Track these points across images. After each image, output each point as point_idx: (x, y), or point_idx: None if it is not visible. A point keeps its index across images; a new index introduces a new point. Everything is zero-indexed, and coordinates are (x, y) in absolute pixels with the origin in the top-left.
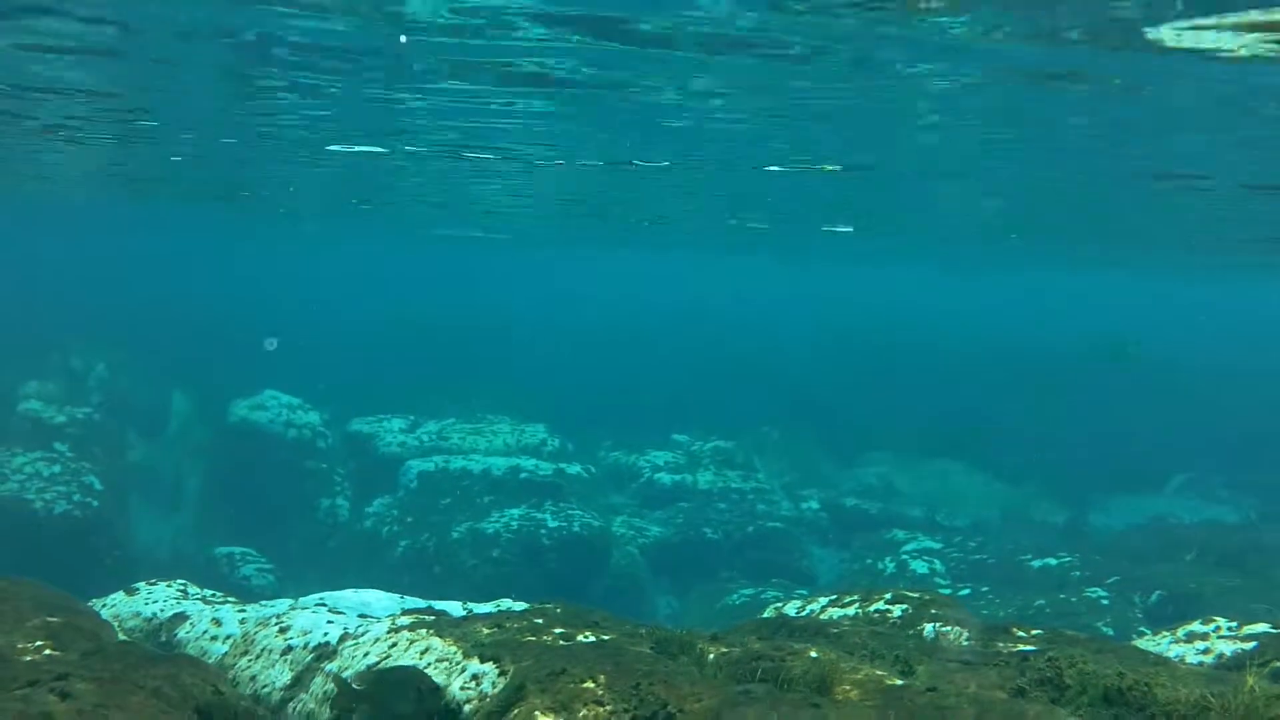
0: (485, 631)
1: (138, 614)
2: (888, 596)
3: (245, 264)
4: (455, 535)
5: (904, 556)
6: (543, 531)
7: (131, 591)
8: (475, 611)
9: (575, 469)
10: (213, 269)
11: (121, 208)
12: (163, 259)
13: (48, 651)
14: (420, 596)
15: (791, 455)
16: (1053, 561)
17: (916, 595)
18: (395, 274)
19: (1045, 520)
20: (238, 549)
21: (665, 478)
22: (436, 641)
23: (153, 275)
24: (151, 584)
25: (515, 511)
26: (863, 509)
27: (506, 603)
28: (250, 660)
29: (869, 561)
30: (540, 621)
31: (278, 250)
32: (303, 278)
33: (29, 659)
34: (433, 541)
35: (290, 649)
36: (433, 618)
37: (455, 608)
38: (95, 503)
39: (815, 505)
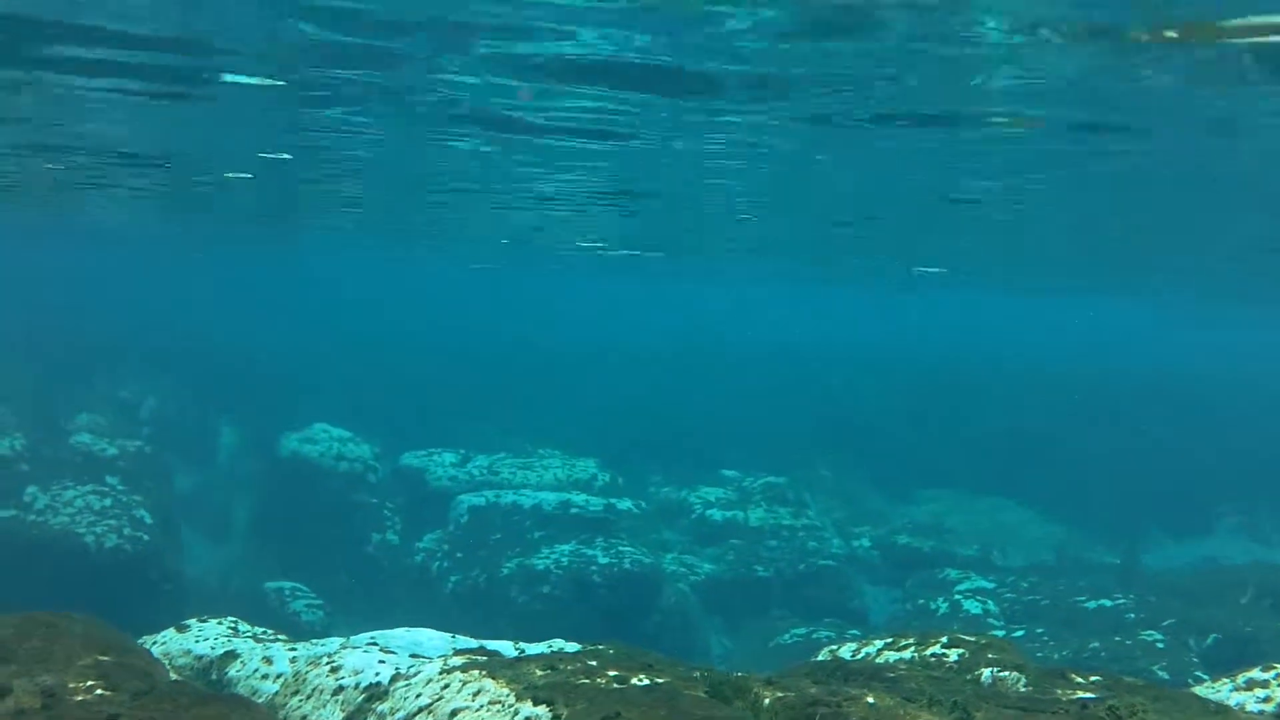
0: (539, 673)
1: (188, 651)
2: (944, 640)
3: (296, 295)
4: (505, 571)
5: (957, 596)
6: (593, 568)
7: (182, 628)
8: (528, 652)
9: (626, 504)
10: (263, 300)
11: (173, 238)
12: (213, 290)
13: (99, 691)
14: (470, 633)
15: (843, 492)
16: (1107, 603)
17: (973, 639)
18: (447, 305)
19: (1099, 560)
20: (287, 584)
21: (716, 514)
22: (489, 683)
23: (203, 306)
24: (202, 621)
25: (566, 547)
26: (915, 547)
27: (559, 643)
28: (301, 700)
29: (921, 601)
30: (594, 663)
31: (329, 281)
32: (354, 309)
33: (80, 699)
34: (483, 577)
35: (341, 689)
36: (485, 658)
37: (507, 648)
38: (146, 536)
39: (867, 543)
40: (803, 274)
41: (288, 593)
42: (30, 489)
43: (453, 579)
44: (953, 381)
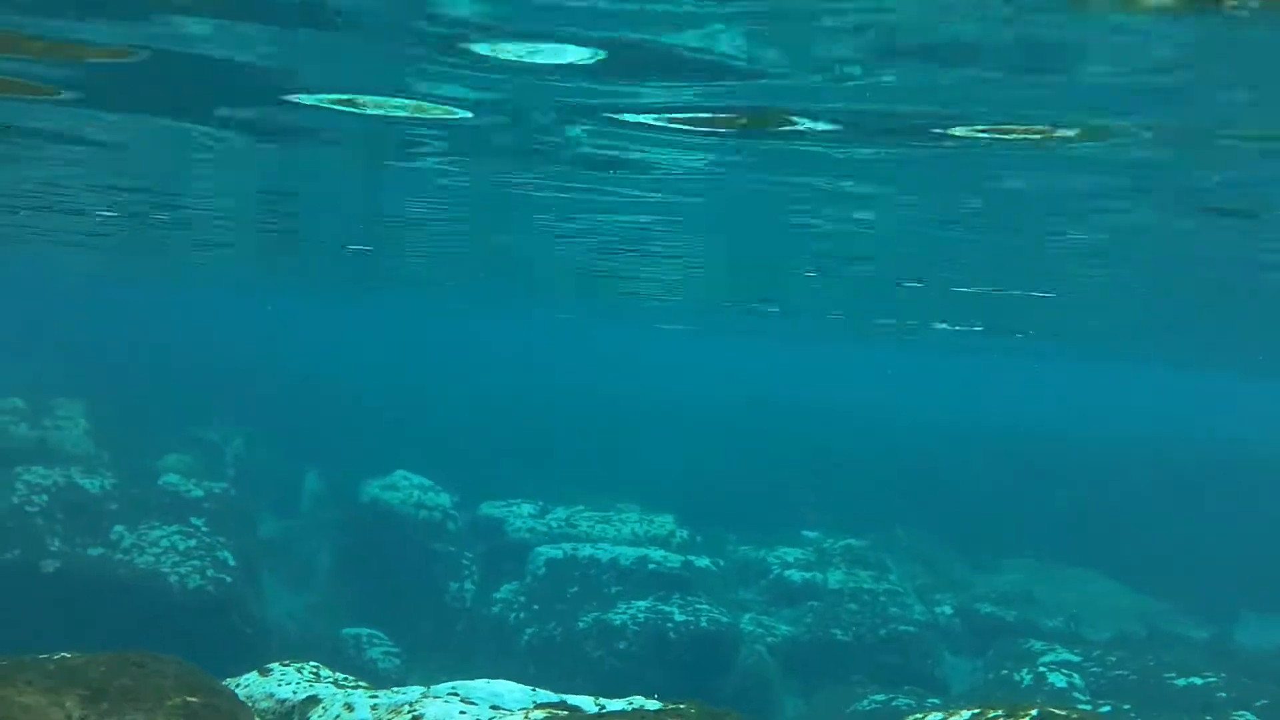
0: None
1: (271, 695)
2: (1034, 712)
3: (380, 343)
4: (582, 625)
5: (1041, 668)
6: (670, 625)
7: (265, 672)
8: (609, 708)
9: (704, 562)
10: (348, 347)
11: (260, 284)
12: (301, 337)
13: None
14: (546, 686)
15: (924, 557)
16: (1197, 681)
17: (1063, 712)
18: (528, 358)
19: (1189, 636)
20: (365, 630)
21: (795, 575)
22: None
23: (290, 352)
24: (285, 665)
25: (642, 603)
26: (998, 616)
27: (640, 700)
28: None
29: (1004, 672)
30: None
31: (414, 331)
32: (438, 359)
33: None
34: (559, 631)
35: None
36: (566, 713)
37: (588, 703)
38: (228, 578)
39: (949, 610)
40: (890, 337)
41: (365, 639)
42: (118, 528)
43: (529, 631)
44: (1039, 449)
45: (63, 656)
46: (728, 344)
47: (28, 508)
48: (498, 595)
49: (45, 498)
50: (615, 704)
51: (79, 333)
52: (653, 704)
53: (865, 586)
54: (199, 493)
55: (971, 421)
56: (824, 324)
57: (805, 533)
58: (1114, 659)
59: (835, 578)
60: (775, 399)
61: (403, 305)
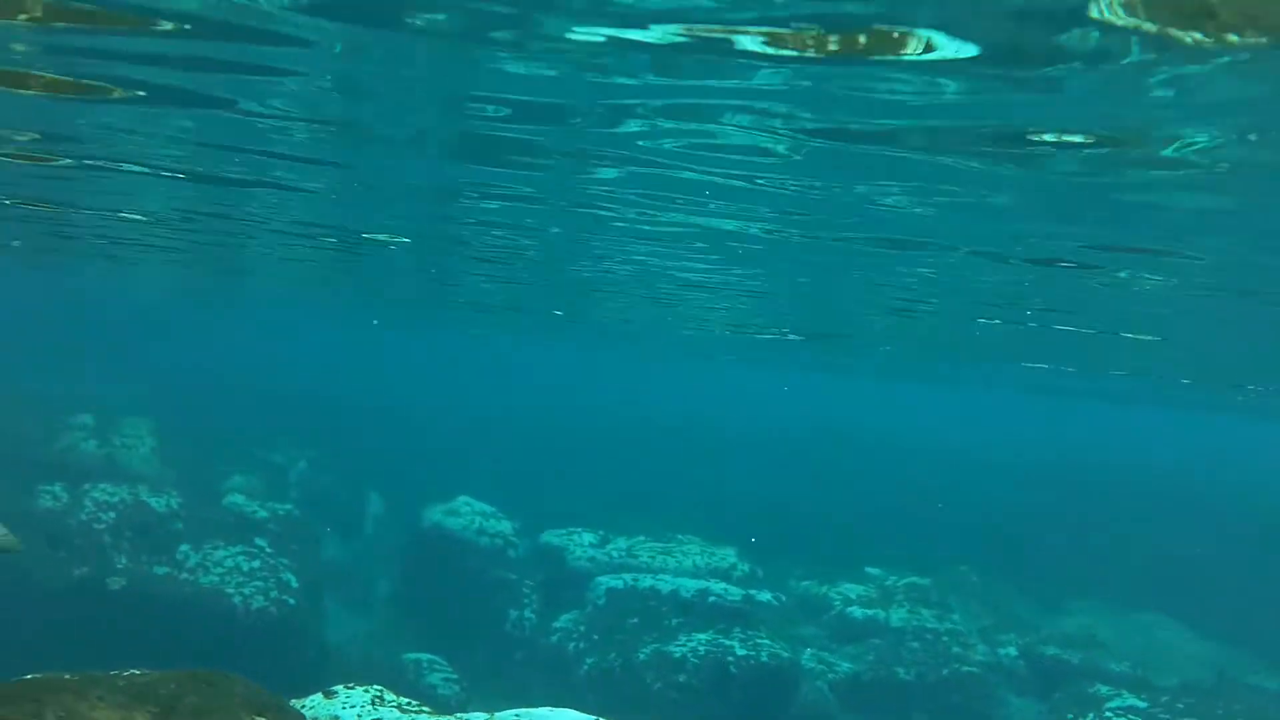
0: None
1: (335, 717)
2: None
3: (444, 370)
4: (642, 656)
5: (1108, 713)
6: (730, 659)
7: (330, 694)
8: None
9: (765, 596)
10: (412, 373)
11: (327, 309)
12: (367, 362)
13: None
14: (606, 716)
15: (988, 598)
16: None
17: None
18: (590, 389)
19: (1261, 685)
20: (425, 656)
21: (857, 612)
22: None
23: (355, 376)
24: (349, 688)
25: (703, 636)
26: (1063, 659)
27: None
28: None
29: (1069, 716)
30: None
31: (479, 359)
32: (501, 387)
33: None
34: (619, 661)
35: None
36: None
37: None
38: (291, 600)
39: (1013, 652)
40: (961, 376)
41: (425, 665)
42: (183, 547)
43: (588, 661)
44: (1108, 491)
45: (132, 673)
46: (792, 377)
47: (95, 525)
48: (557, 624)
49: (113, 515)
50: None
51: (148, 352)
52: None
53: (928, 625)
54: (263, 514)
55: (1041, 462)
56: (891, 359)
57: (868, 569)
58: (1183, 706)
59: (898, 616)
60: (840, 434)
61: (467, 333)
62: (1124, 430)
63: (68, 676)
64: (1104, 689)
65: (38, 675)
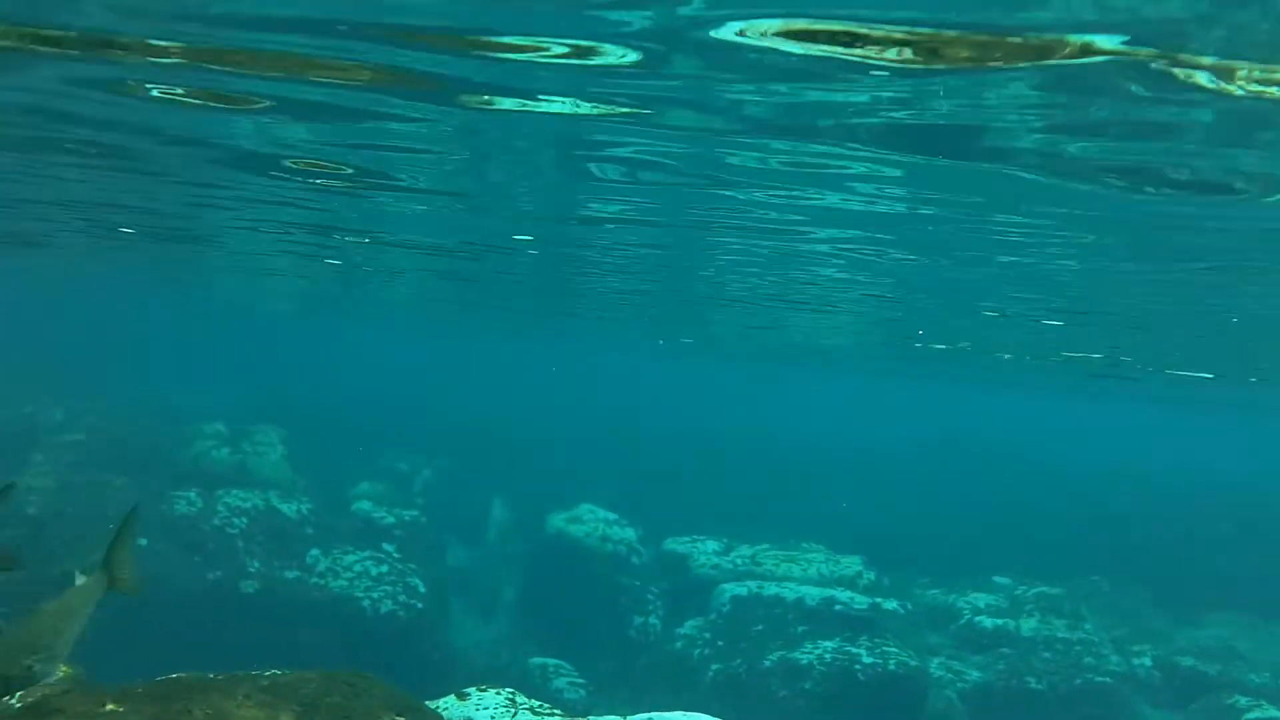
0: None
1: (469, 719)
2: None
3: (566, 379)
4: (767, 663)
5: None
6: (857, 667)
7: (463, 696)
8: None
9: (891, 605)
10: (535, 382)
11: (451, 319)
12: (491, 370)
13: None
14: None
15: (1121, 608)
16: None
17: None
18: (714, 399)
19: None
20: (551, 661)
21: (986, 621)
22: None
23: (478, 385)
24: (481, 690)
25: (829, 644)
26: (1200, 670)
27: None
28: None
29: None
30: None
31: (602, 368)
32: (623, 396)
33: None
34: (744, 668)
35: None
36: None
37: None
38: (419, 604)
39: (1147, 662)
40: (1089, 389)
41: (551, 669)
42: (313, 552)
43: (713, 667)
44: (1242, 503)
45: (274, 673)
46: (917, 387)
47: (229, 530)
48: (682, 630)
49: (245, 521)
50: None
51: (276, 362)
52: None
53: (1059, 635)
54: (390, 520)
55: (1173, 473)
56: (1017, 370)
57: (996, 579)
58: None
59: (1028, 625)
60: (966, 445)
61: (588, 342)
62: (1261, 441)
63: (212, 676)
64: (1242, 700)
65: (184, 674)
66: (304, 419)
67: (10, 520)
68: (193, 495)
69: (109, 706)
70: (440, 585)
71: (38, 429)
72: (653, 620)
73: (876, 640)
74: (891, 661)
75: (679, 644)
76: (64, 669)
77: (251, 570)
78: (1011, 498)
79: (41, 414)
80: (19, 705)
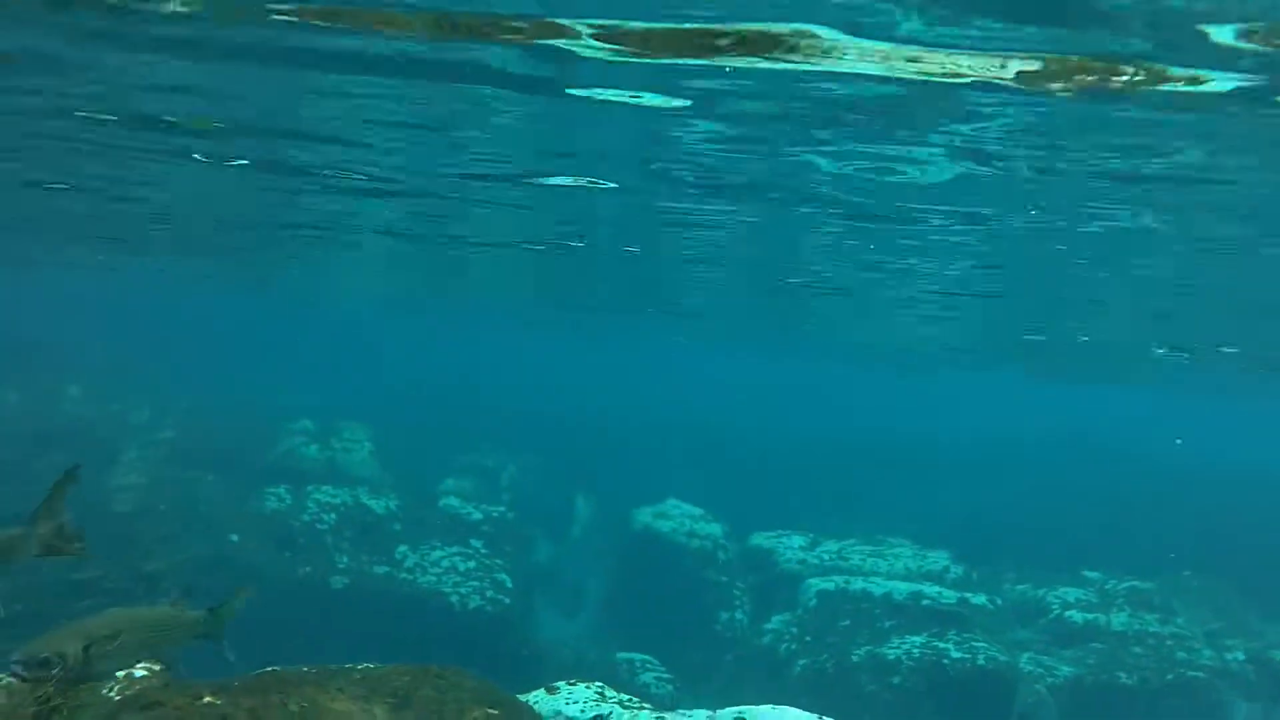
0: None
1: (559, 713)
2: None
3: (649, 374)
4: (855, 658)
5: None
6: (946, 662)
7: (552, 690)
8: None
9: (980, 599)
10: (618, 378)
11: (533, 315)
12: (575, 366)
13: None
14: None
15: (1212, 602)
16: None
17: None
18: (793, 390)
19: None
20: (638, 655)
21: (1076, 615)
22: None
23: (562, 381)
24: (571, 684)
25: (917, 639)
26: None
27: None
28: None
29: None
30: None
31: (686, 364)
32: (705, 390)
33: None
34: (831, 663)
35: None
36: None
37: None
38: (506, 600)
39: (1240, 656)
40: (1181, 381)
41: (638, 664)
42: (402, 547)
43: (800, 662)
44: None
45: (366, 667)
46: (995, 380)
47: (318, 525)
48: (768, 626)
49: (334, 516)
50: None
51: (362, 360)
52: None
53: (1151, 629)
54: (477, 515)
55: (1265, 469)
56: (1108, 364)
57: (1087, 573)
58: None
59: (1119, 620)
60: (1052, 437)
61: (673, 339)
62: None
63: (305, 669)
64: None
65: (278, 668)
66: (390, 416)
67: (103, 518)
68: (282, 491)
69: (207, 699)
70: (527, 580)
71: (127, 427)
72: (739, 615)
73: (965, 635)
74: (980, 656)
75: (766, 639)
76: (149, 667)
77: (341, 565)
78: (1099, 492)
79: (131, 412)
80: (118, 698)
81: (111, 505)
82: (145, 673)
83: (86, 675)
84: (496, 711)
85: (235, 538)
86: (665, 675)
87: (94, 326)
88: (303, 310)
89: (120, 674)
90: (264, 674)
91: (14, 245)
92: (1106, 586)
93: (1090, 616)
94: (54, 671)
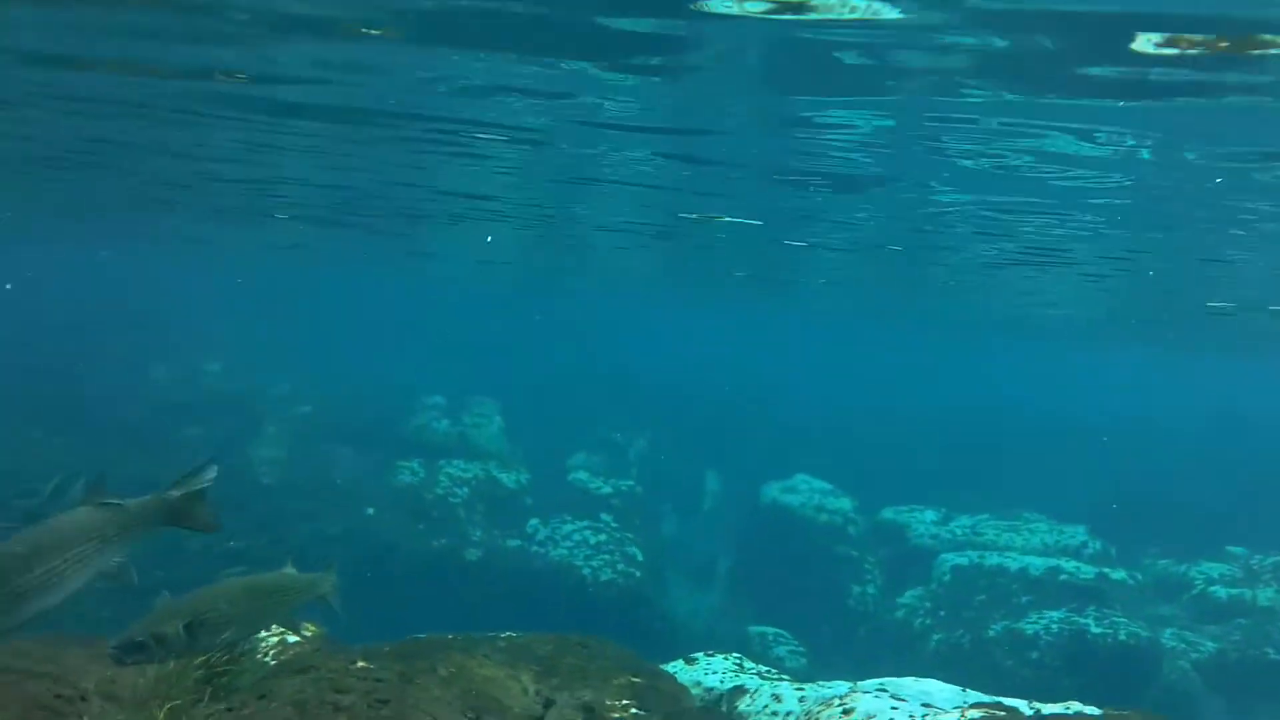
0: None
1: (698, 683)
2: None
3: (776, 350)
4: (991, 633)
5: None
6: (1086, 637)
7: (691, 661)
8: (1044, 712)
9: (1119, 574)
10: (745, 354)
11: (660, 293)
12: (699, 342)
13: (634, 711)
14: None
15: None
16: None
17: None
18: (922, 365)
19: None
20: (770, 629)
21: (1220, 591)
22: None
23: (689, 357)
24: (709, 655)
25: (1055, 614)
26: None
27: (1076, 706)
28: None
29: None
30: None
31: (808, 339)
32: (830, 367)
33: (617, 716)
34: (967, 638)
35: None
36: (1005, 713)
37: (1022, 705)
38: (637, 573)
39: None
40: None
41: (771, 638)
42: (533, 521)
43: (935, 637)
44: None
45: (509, 635)
46: (1145, 353)
47: (451, 499)
48: (901, 600)
49: (466, 490)
50: (1051, 708)
51: (491, 337)
52: (1092, 709)
53: None
54: (607, 490)
55: None
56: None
57: (1230, 549)
58: None
59: (1266, 595)
60: (1193, 412)
61: (799, 315)
62: None
63: (451, 637)
64: None
65: (425, 635)
66: (519, 392)
67: (249, 489)
68: (415, 465)
69: (359, 664)
70: (657, 554)
71: (267, 401)
72: (870, 589)
73: (1104, 610)
74: (1121, 631)
75: (899, 613)
76: (309, 629)
77: (474, 538)
78: (1243, 466)
79: (270, 387)
80: (274, 662)
81: (257, 477)
82: (298, 638)
83: (194, 649)
84: (640, 680)
85: (371, 510)
86: (799, 649)
87: (235, 304)
88: (434, 288)
89: (274, 639)
90: (411, 640)
91: (172, 222)
92: (1252, 562)
93: (1235, 592)
94: (152, 654)
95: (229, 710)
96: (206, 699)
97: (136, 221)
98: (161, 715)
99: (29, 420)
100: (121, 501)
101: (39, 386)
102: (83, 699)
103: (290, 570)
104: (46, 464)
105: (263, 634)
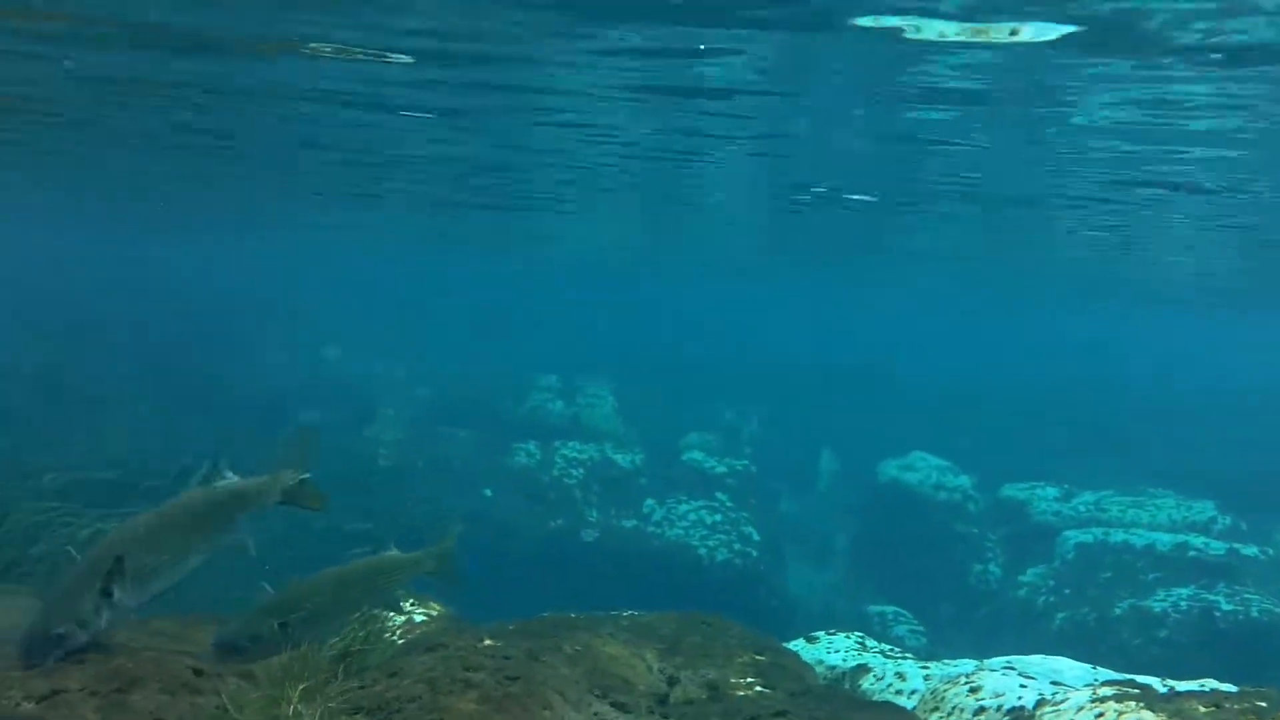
0: (1201, 710)
1: (821, 661)
2: None
3: (891, 325)
4: (1117, 611)
5: None
6: (1216, 614)
7: (812, 639)
8: (1179, 689)
9: (1251, 550)
10: (854, 331)
11: (775, 269)
12: (810, 321)
13: (758, 688)
14: None
15: None
16: None
17: None
18: (1038, 340)
19: None
20: (890, 608)
21: None
22: (1148, 715)
23: (800, 336)
24: (831, 634)
25: (1184, 591)
26: None
27: (1212, 683)
28: (941, 717)
29: None
30: (1263, 704)
31: (923, 311)
32: (947, 340)
33: (742, 694)
34: (1092, 616)
35: (983, 709)
36: (1138, 690)
37: (1155, 683)
38: (754, 553)
39: None
40: None
41: (890, 617)
42: (649, 501)
43: (1059, 616)
44: None
45: (632, 614)
46: (1264, 322)
47: (566, 480)
48: (1024, 578)
49: (581, 471)
50: (1185, 685)
51: (602, 318)
52: (1228, 686)
53: None
54: (721, 469)
55: None
56: None
57: None
58: None
59: None
60: None
61: (915, 289)
62: None
63: (574, 615)
64: None
65: (549, 614)
66: (632, 372)
67: (370, 472)
68: (531, 447)
69: (487, 641)
70: (773, 534)
71: (385, 384)
72: (992, 568)
73: (1235, 587)
74: (1254, 609)
75: (1022, 592)
76: (435, 608)
77: (590, 519)
78: None
79: (387, 370)
80: (401, 641)
81: (375, 460)
82: (424, 617)
83: (290, 644)
84: (764, 657)
85: (488, 492)
86: (919, 628)
87: (351, 289)
88: (546, 270)
89: (400, 618)
90: (537, 619)
91: (295, 210)
92: None
93: None
94: (251, 655)
95: (361, 688)
96: (339, 676)
97: (275, 212)
98: (295, 694)
99: (158, 406)
100: (241, 481)
101: (169, 372)
102: (219, 676)
103: (393, 552)
104: (173, 447)
105: (390, 614)
